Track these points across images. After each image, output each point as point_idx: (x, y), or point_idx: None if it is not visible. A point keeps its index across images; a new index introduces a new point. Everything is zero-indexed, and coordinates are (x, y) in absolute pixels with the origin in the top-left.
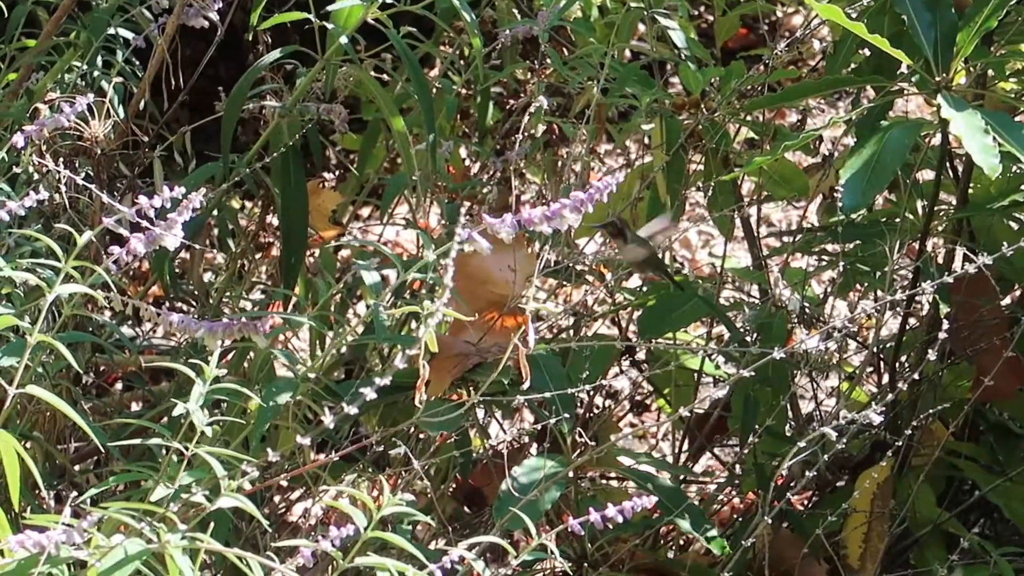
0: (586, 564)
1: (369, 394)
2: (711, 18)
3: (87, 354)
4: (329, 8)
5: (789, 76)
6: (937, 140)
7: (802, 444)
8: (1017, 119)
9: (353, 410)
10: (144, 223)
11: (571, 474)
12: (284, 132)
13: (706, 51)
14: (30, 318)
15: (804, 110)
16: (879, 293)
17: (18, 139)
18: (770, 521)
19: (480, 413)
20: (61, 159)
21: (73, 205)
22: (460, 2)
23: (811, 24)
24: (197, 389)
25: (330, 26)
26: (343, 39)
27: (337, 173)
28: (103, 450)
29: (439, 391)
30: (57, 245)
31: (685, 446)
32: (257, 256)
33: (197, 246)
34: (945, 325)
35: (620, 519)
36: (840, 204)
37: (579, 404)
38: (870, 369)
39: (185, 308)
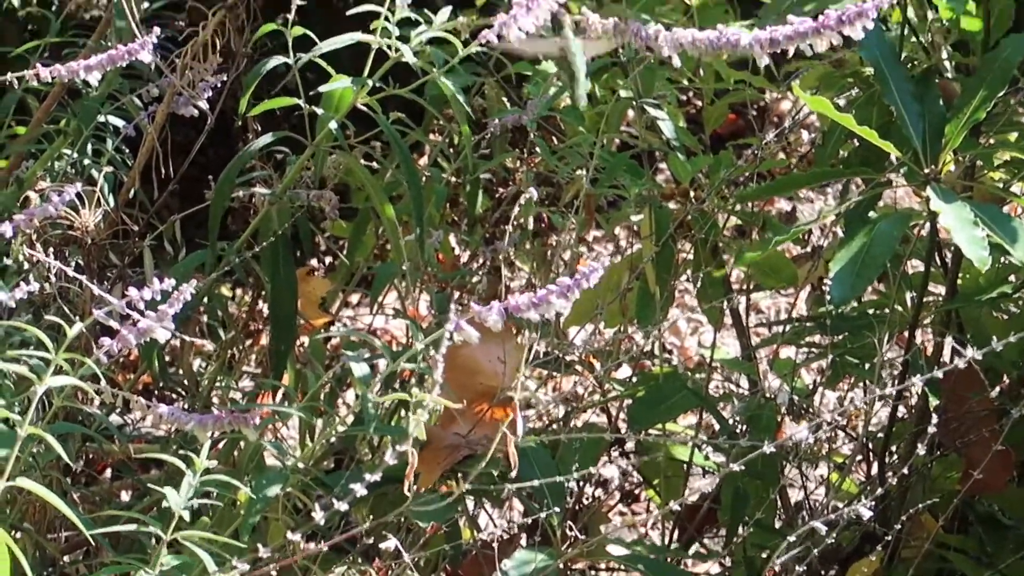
0: None
1: (359, 490)
2: (700, 103)
3: (77, 444)
4: (320, 89)
5: (778, 165)
6: (926, 230)
7: (792, 539)
8: (1006, 210)
9: (343, 506)
10: (134, 314)
11: (561, 566)
12: (274, 220)
13: (695, 139)
14: (20, 409)
15: (793, 198)
16: (869, 384)
17: (7, 229)
18: None
19: (470, 504)
20: (51, 249)
21: (63, 295)
22: (452, 89)
23: (799, 112)
24: (187, 481)
25: (320, 111)
26: (332, 125)
27: (327, 260)
28: (92, 541)
29: (429, 482)
30: (47, 336)
31: (675, 537)
32: (247, 343)
33: (187, 337)
34: (934, 418)
35: None
36: (829, 296)
37: (569, 495)
38: (859, 458)
39: (175, 396)
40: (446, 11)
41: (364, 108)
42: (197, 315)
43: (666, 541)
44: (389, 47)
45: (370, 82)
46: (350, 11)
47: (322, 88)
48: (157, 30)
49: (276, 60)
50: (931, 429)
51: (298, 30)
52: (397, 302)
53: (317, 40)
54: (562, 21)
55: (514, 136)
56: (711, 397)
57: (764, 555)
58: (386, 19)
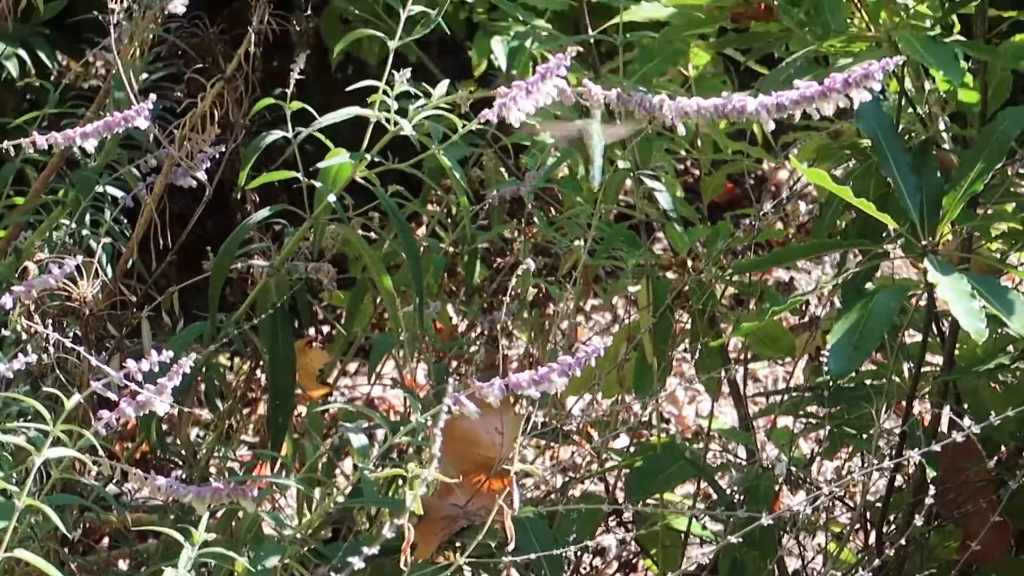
0: None
1: (357, 563)
2: (697, 172)
3: (75, 514)
4: (318, 166)
5: (776, 235)
6: (923, 300)
7: None
8: (1003, 281)
9: None
10: (133, 386)
11: None
12: (272, 291)
13: (692, 209)
14: (18, 480)
15: (791, 267)
16: (866, 454)
17: (6, 300)
18: None
19: None
20: (49, 319)
21: (61, 366)
22: (450, 163)
23: (797, 183)
24: (185, 553)
25: (318, 184)
26: (331, 198)
27: (324, 330)
28: None
29: (426, 554)
30: (45, 407)
31: None
32: (245, 412)
33: (186, 408)
34: (932, 488)
35: None
36: (827, 367)
37: (567, 565)
38: (857, 528)
39: (173, 465)
40: (444, 84)
41: (362, 181)
42: (195, 385)
43: None
44: (388, 120)
45: (368, 156)
46: (349, 87)
47: (320, 164)
48: (154, 97)
49: (275, 135)
50: (929, 500)
51: (296, 105)
52: (395, 371)
53: (315, 113)
54: (590, 106)
55: (512, 206)
56: (709, 467)
57: None
58: (384, 93)
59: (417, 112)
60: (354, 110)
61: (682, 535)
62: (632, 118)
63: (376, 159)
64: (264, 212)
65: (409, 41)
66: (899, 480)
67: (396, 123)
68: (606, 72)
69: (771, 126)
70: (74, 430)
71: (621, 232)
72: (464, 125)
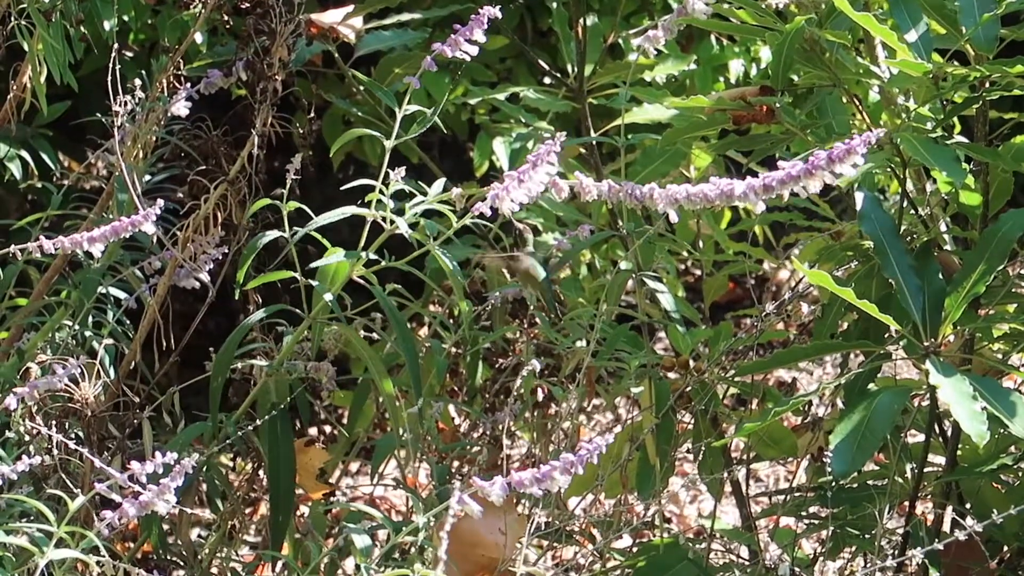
0: None
1: None
2: (699, 272)
3: None
4: (314, 265)
5: (778, 336)
6: (926, 400)
7: None
8: (1005, 381)
9: None
10: (135, 487)
11: None
12: (272, 391)
13: (694, 310)
14: None
15: (792, 367)
16: (869, 555)
17: (10, 401)
18: None
19: None
20: (52, 421)
21: (64, 467)
22: (451, 264)
23: (799, 283)
24: None
25: (316, 284)
26: (328, 297)
27: (327, 430)
28: None
29: None
30: (48, 507)
31: None
32: (246, 512)
33: (187, 509)
34: None
35: None
36: (829, 468)
37: None
38: None
39: (175, 565)
40: (440, 183)
41: (361, 280)
42: (196, 485)
43: None
44: (384, 219)
45: (365, 255)
46: (344, 186)
47: (317, 264)
48: (161, 203)
49: (271, 235)
50: None
51: (293, 205)
52: (397, 470)
53: (313, 214)
54: (525, 237)
55: (514, 307)
56: (712, 567)
57: None
58: (381, 192)
59: (412, 211)
60: (350, 209)
61: None
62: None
63: (374, 258)
64: (260, 313)
65: (410, 141)
66: None
67: (392, 222)
68: (608, 173)
69: (760, 207)
70: (77, 531)
71: (623, 333)
72: (465, 232)
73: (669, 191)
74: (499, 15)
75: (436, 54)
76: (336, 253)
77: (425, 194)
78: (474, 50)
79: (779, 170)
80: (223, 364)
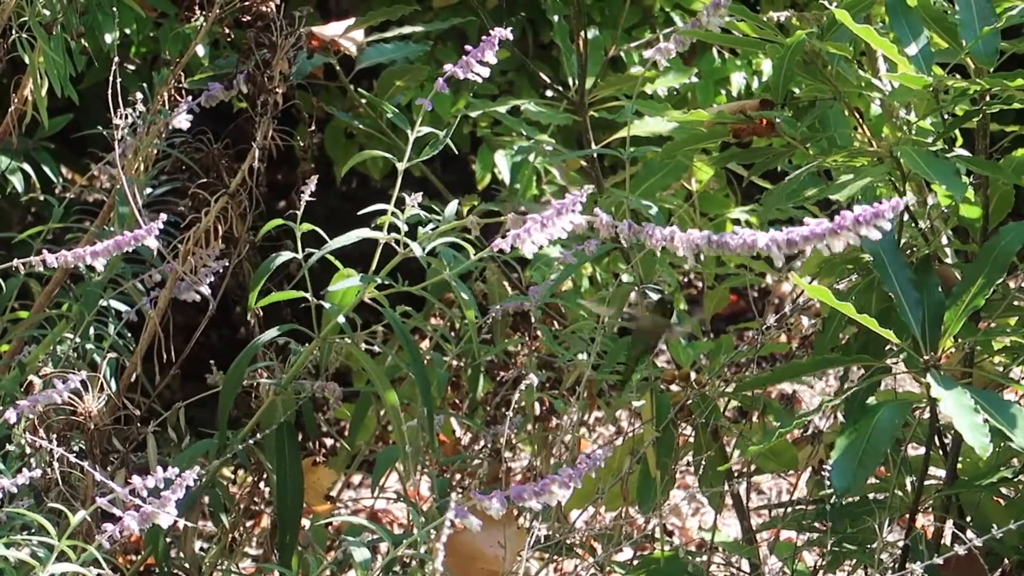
0: None
1: None
2: (701, 285)
3: None
4: (328, 290)
5: (779, 349)
6: (926, 414)
7: None
8: (1006, 394)
9: None
10: (137, 500)
11: None
12: (278, 409)
13: (696, 323)
14: None
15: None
16: (869, 568)
17: (11, 414)
18: None
19: None
20: (53, 434)
21: (65, 480)
22: (456, 282)
23: (800, 297)
24: None
25: (326, 305)
26: (340, 319)
27: (328, 443)
28: None
29: None
30: (49, 521)
31: None
32: (248, 524)
33: (190, 524)
34: None
35: None
36: (830, 482)
37: None
38: None
39: None
40: (453, 205)
41: (371, 302)
42: (199, 498)
43: None
44: (397, 243)
45: (378, 279)
46: (347, 199)
47: (331, 288)
48: (164, 217)
49: (285, 255)
50: None
51: (306, 226)
52: (398, 483)
53: (320, 231)
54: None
55: (516, 320)
56: None
57: None
58: (394, 215)
59: (426, 236)
60: (364, 232)
61: None
62: None
63: (386, 281)
64: (273, 332)
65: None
66: None
67: (406, 245)
68: (609, 186)
69: (781, 261)
70: (78, 545)
71: (625, 345)
72: (475, 250)
73: (690, 236)
74: (509, 36)
75: (448, 75)
76: (350, 276)
77: (432, 211)
78: (486, 72)
79: (804, 226)
80: (233, 383)
